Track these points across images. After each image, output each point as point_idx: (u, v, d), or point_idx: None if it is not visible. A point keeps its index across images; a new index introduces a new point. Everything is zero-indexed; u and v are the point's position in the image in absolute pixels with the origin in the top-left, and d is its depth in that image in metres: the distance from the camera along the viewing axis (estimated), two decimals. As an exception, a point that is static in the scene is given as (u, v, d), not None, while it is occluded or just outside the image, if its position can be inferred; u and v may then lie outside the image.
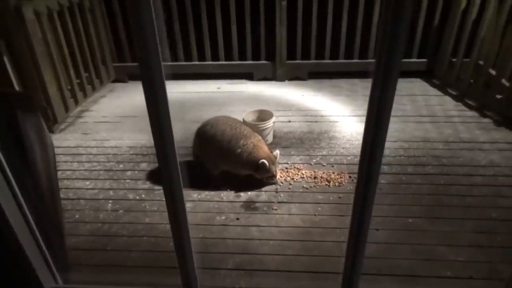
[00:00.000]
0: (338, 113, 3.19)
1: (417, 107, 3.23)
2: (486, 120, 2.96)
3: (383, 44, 0.69)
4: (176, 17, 3.63)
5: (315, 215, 2.07)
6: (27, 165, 1.36)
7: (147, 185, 2.36)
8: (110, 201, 2.23)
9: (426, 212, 2.05)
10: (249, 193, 2.27)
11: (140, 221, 2.07)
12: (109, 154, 2.70)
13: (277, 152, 2.31)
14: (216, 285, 1.70)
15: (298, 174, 2.40)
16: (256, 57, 3.82)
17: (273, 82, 3.85)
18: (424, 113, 3.13)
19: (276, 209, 2.13)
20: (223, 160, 2.31)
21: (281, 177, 2.37)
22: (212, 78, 3.91)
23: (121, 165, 2.56)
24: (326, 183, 2.31)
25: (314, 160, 2.55)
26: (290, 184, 2.32)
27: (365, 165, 0.83)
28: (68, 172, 2.50)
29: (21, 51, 2.66)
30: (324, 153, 2.64)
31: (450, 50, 3.43)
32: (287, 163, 2.52)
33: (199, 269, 1.13)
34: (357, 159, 0.86)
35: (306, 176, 2.38)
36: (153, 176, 2.43)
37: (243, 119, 2.63)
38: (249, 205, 2.17)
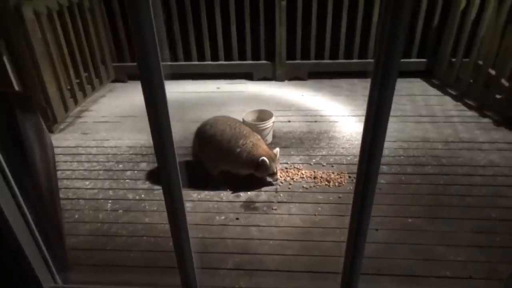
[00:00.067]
0: (337, 113, 3.19)
1: (417, 107, 3.23)
2: (486, 120, 2.96)
3: (382, 44, 0.69)
4: (175, 17, 3.63)
5: (315, 215, 2.07)
6: (27, 165, 1.36)
7: (147, 185, 2.36)
8: (110, 201, 2.23)
9: (425, 212, 2.05)
10: (248, 193, 2.27)
11: (139, 221, 2.07)
12: (108, 154, 2.70)
13: (277, 149, 2.31)
14: (215, 285, 1.70)
15: (297, 174, 2.40)
16: (255, 57, 3.82)
17: (272, 82, 3.85)
18: (424, 113, 3.13)
19: (275, 209, 2.13)
20: (222, 160, 2.31)
21: (281, 177, 2.37)
22: (212, 78, 3.91)
23: (120, 165, 2.56)
24: (326, 183, 2.31)
25: (313, 160, 2.55)
26: (290, 184, 2.33)
27: (364, 165, 0.83)
28: (68, 172, 2.50)
29: (20, 51, 2.66)
30: (324, 153, 2.64)
31: (449, 50, 3.43)
32: (287, 163, 2.52)
33: (199, 269, 1.13)
34: (356, 159, 0.86)
35: (306, 176, 2.38)
36: (153, 176, 2.43)
37: (243, 119, 2.63)
38: (249, 205, 2.17)
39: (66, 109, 3.17)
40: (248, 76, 3.90)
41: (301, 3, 3.50)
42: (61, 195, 2.16)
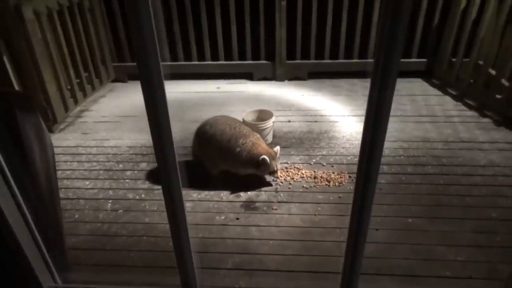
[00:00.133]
0: (337, 113, 3.19)
1: (417, 107, 3.23)
2: (486, 120, 2.96)
3: (382, 45, 0.69)
4: (175, 17, 3.63)
5: (315, 215, 2.07)
6: (26, 165, 1.36)
7: (147, 184, 2.36)
8: (110, 201, 2.23)
9: (425, 212, 2.05)
10: (248, 193, 2.27)
11: (139, 221, 2.07)
12: (108, 154, 2.70)
13: (277, 148, 2.31)
14: (215, 285, 1.70)
15: (298, 174, 2.40)
16: (256, 57, 3.82)
17: (273, 82, 3.85)
18: (424, 113, 3.13)
19: (276, 209, 2.13)
20: (222, 160, 2.31)
21: (281, 176, 2.37)
22: (212, 78, 3.91)
23: (120, 165, 2.56)
24: (326, 183, 2.31)
25: (314, 160, 2.55)
26: (290, 184, 2.32)
27: (364, 165, 0.83)
28: (68, 172, 2.50)
29: (20, 51, 2.66)
30: (324, 153, 2.64)
31: (449, 50, 3.43)
32: (287, 163, 2.52)
33: (199, 269, 1.13)
34: (356, 159, 0.86)
35: (306, 176, 2.38)
36: (153, 176, 2.43)
37: (243, 119, 2.63)
38: (249, 205, 2.17)
39: (66, 109, 3.17)
40: (248, 76, 3.90)
41: (301, 3, 3.50)
42: (61, 195, 2.16)
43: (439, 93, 3.46)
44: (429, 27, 3.56)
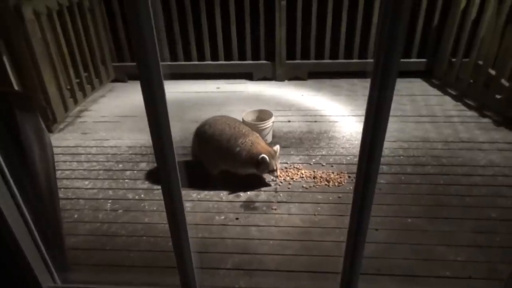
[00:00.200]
0: (337, 113, 3.19)
1: (417, 107, 3.23)
2: (486, 120, 2.96)
3: (382, 45, 0.69)
4: (175, 17, 3.63)
5: (314, 215, 2.07)
6: (26, 165, 1.36)
7: (146, 184, 2.36)
8: (109, 201, 2.23)
9: (425, 212, 2.05)
10: (248, 193, 2.27)
11: (139, 221, 2.07)
12: (108, 153, 2.70)
13: (277, 147, 2.30)
14: (215, 285, 1.70)
15: (297, 174, 2.40)
16: (255, 57, 3.82)
17: (272, 82, 3.85)
18: (424, 113, 3.13)
19: (275, 209, 2.13)
20: (222, 160, 2.31)
21: (280, 176, 2.37)
22: (212, 78, 3.91)
23: (120, 165, 2.56)
24: (326, 183, 2.31)
25: (313, 160, 2.55)
26: (289, 184, 2.32)
27: (364, 164, 0.83)
28: (67, 172, 2.50)
29: (20, 51, 2.66)
30: (324, 153, 2.64)
31: (449, 50, 3.43)
32: (287, 163, 2.52)
33: (198, 269, 1.13)
34: (356, 159, 0.86)
35: (306, 176, 2.38)
36: (153, 176, 2.42)
37: (243, 119, 2.63)
38: (249, 205, 2.17)
39: (66, 109, 3.17)
40: (248, 76, 3.90)
41: (301, 3, 3.50)
42: (60, 195, 2.16)
43: (439, 93, 3.46)
44: (429, 27, 3.56)
